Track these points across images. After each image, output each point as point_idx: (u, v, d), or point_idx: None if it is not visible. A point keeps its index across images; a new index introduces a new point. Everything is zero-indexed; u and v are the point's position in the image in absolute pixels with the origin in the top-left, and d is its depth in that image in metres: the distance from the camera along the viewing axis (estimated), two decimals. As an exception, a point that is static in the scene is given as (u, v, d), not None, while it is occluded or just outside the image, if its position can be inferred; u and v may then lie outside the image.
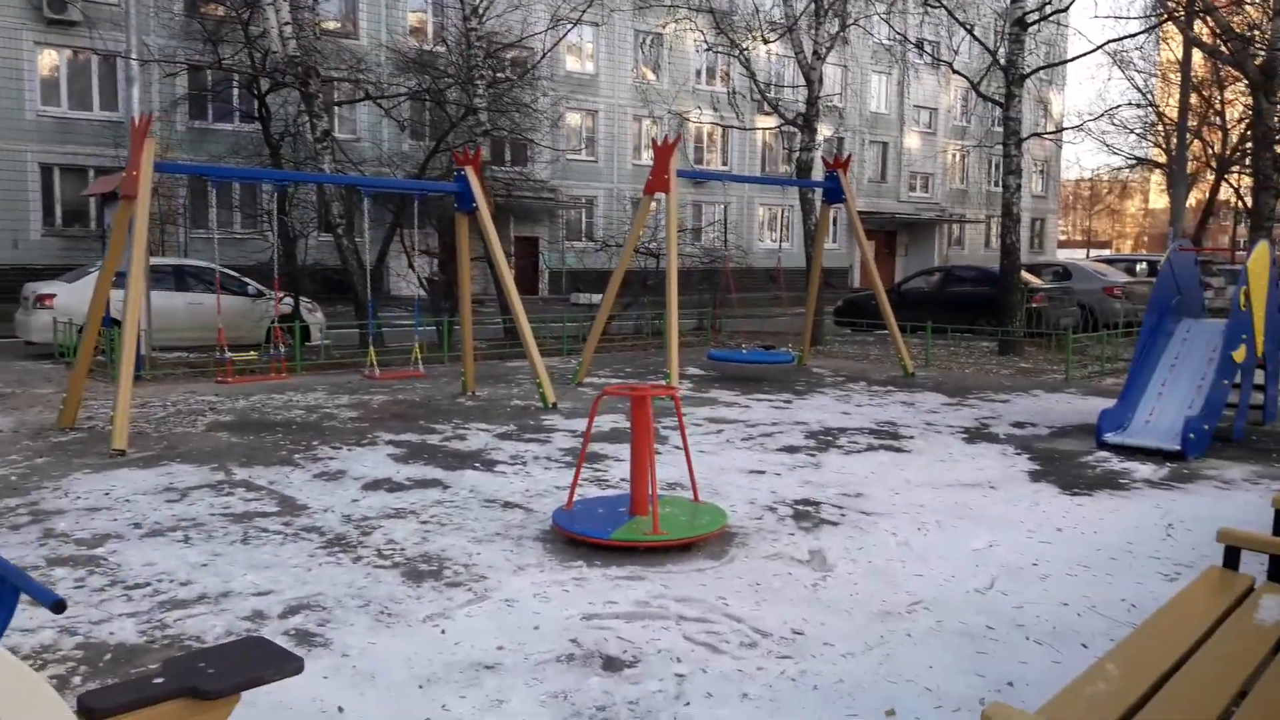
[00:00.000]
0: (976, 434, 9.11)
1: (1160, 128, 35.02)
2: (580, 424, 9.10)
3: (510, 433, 8.98)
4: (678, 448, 8.23)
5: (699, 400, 11.20)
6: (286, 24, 15.17)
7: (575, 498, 5.95)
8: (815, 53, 16.61)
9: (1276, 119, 16.43)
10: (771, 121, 17.11)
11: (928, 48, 18.74)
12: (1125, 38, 16.89)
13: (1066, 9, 15.91)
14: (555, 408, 10.40)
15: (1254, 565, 3.61)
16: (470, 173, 10.51)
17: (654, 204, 12.92)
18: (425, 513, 6.10)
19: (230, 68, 17.94)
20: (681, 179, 40.09)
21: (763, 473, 7.35)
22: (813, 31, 16.54)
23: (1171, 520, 6.04)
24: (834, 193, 14.17)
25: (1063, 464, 7.77)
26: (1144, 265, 25.68)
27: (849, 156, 14.41)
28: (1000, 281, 16.88)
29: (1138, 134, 42.16)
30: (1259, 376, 9.63)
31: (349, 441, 8.48)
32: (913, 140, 48.19)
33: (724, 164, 41.07)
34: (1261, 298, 9.10)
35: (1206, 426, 8.18)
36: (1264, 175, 16.54)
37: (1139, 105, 25.63)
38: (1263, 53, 15.95)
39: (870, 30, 19.09)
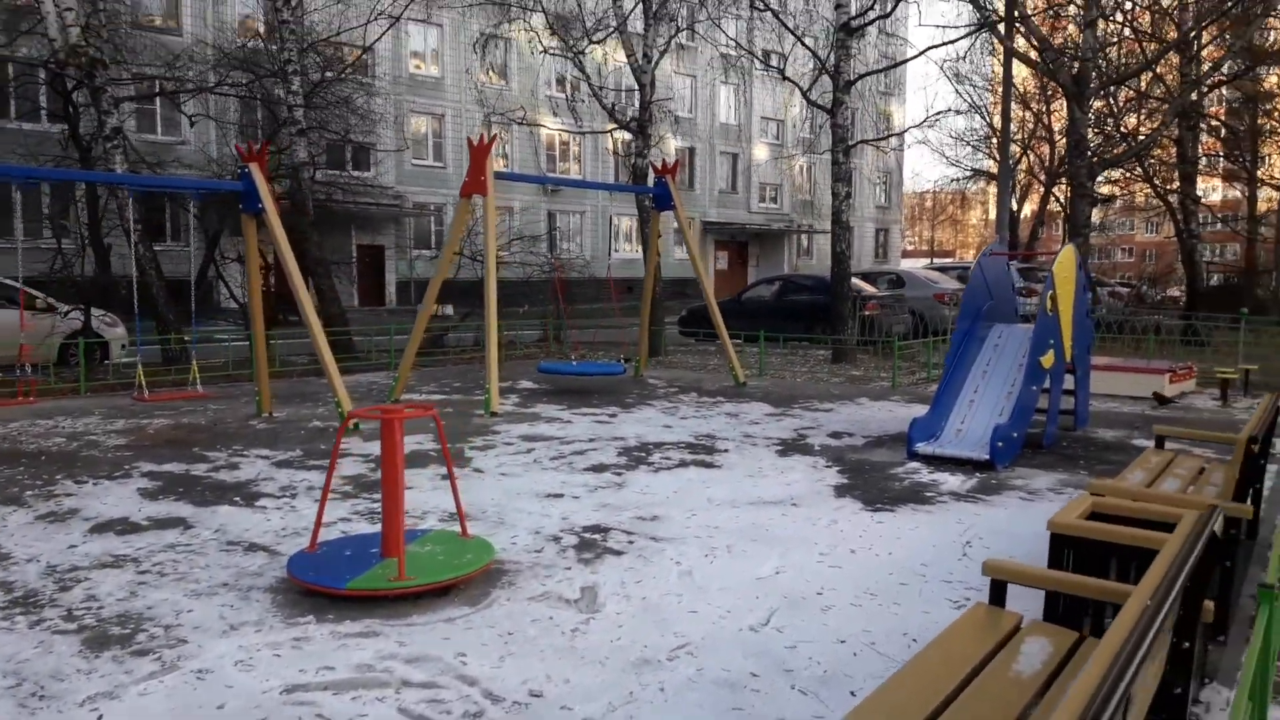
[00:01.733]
0: (792, 446, 8.81)
1: (994, 140, 36.61)
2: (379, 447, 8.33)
3: (292, 460, 8.12)
4: (480, 470, 7.60)
5: (520, 417, 10.57)
6: (68, 9, 13.74)
7: (331, 536, 5.23)
8: (646, 55, 16.27)
9: (1089, 128, 17.09)
10: (618, 131, 16.75)
11: (760, 54, 18.70)
12: (944, 44, 17.22)
13: (889, 14, 16.11)
14: (358, 429, 9.57)
15: (1031, 597, 3.26)
16: (255, 170, 9.57)
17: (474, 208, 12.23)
18: (149, 560, 5.24)
19: (7, 57, 16.19)
20: (526, 184, 39.08)
21: (561, 496, 6.78)
22: (644, 34, 16.19)
23: (971, 537, 5.79)
24: (663, 199, 13.81)
25: (871, 477, 7.51)
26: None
27: (676, 163, 14.09)
28: (832, 290, 16.94)
29: (973, 146, 44.07)
30: (1069, 381, 9.73)
31: (100, 474, 7.45)
32: (761, 152, 49.02)
33: (580, 172, 40.62)
34: (1069, 302, 9.16)
35: (1015, 434, 8.10)
36: (1079, 183, 17.18)
37: (959, 113, 26.38)
38: (1075, 63, 16.54)
39: (702, 34, 18.93)
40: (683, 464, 7.96)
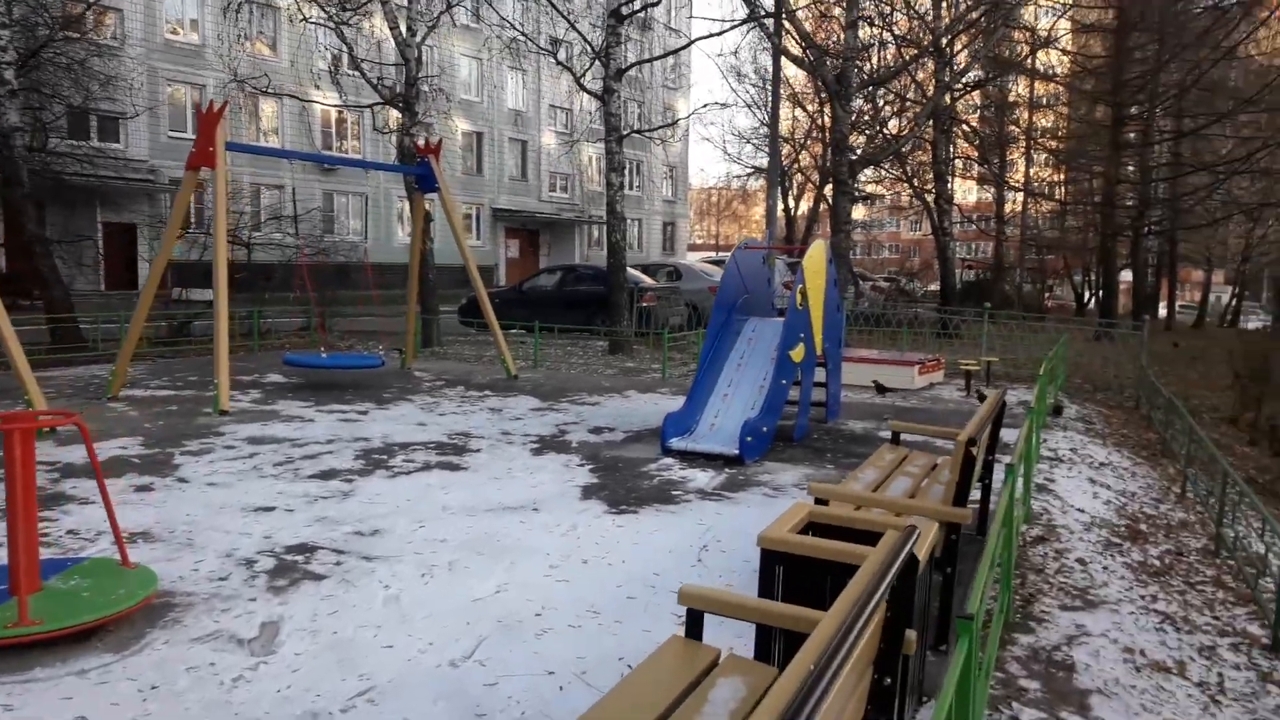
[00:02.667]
0: (549, 443, 8.40)
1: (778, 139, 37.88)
2: (83, 452, 7.23)
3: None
4: (184, 480, 6.68)
5: (254, 415, 9.57)
6: None
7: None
8: (410, 29, 15.37)
9: (850, 127, 17.73)
10: (394, 112, 15.75)
11: (536, 37, 18.18)
12: (712, 35, 17.33)
13: (657, 2, 16.01)
14: (53, 434, 8.31)
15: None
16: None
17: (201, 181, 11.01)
18: None
19: None
20: (303, 162, 36.45)
21: (272, 509, 6.02)
22: (406, 6, 15.29)
23: (709, 540, 5.56)
24: (427, 180, 13.05)
25: (623, 475, 7.21)
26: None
27: (439, 141, 13.35)
28: (608, 281, 16.74)
29: (753, 144, 45.48)
30: (821, 374, 9.86)
31: None
32: (551, 140, 48.56)
33: (360, 151, 38.48)
34: (819, 296, 9.24)
35: (765, 428, 8.04)
36: (840, 180, 17.80)
37: (723, 105, 26.90)
38: (838, 63, 17.09)
39: (481, 16, 18.19)
40: (426, 467, 7.35)
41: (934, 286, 36.93)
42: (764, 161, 40.76)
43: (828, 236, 22.40)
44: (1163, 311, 40.76)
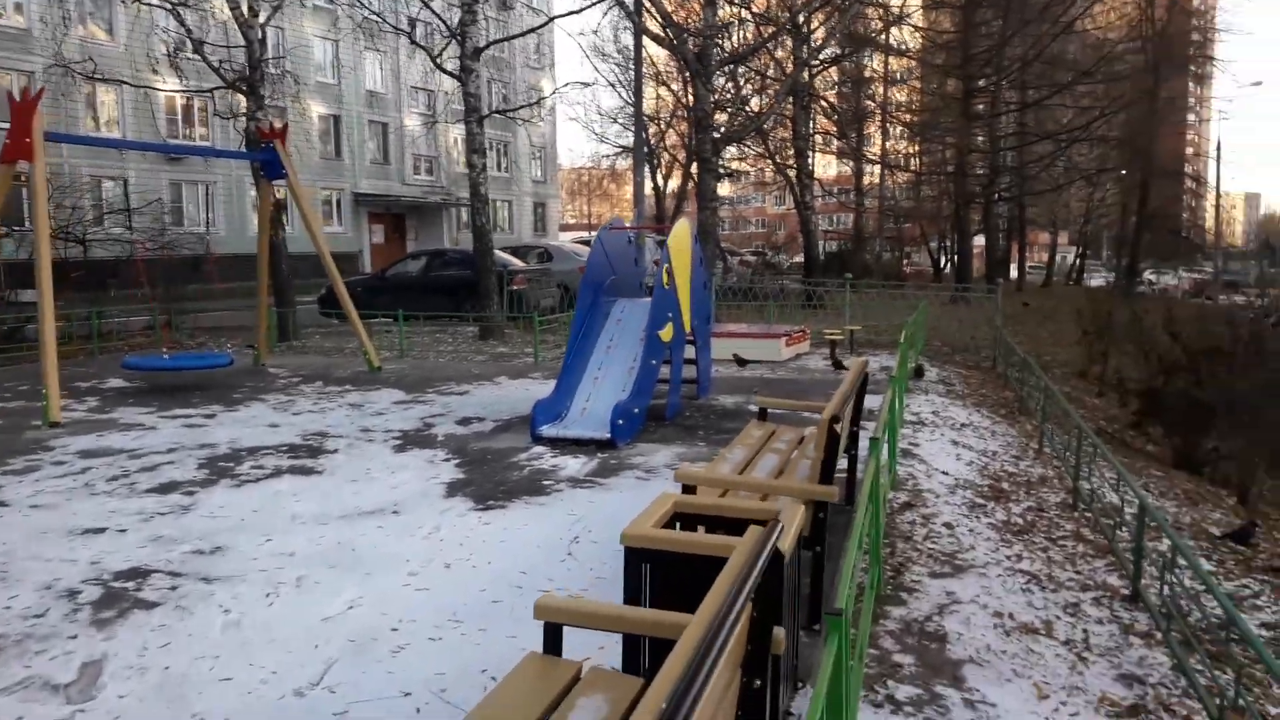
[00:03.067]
0: (413, 439, 8.04)
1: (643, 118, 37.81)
2: None
3: None
4: (4, 504, 6.06)
5: (90, 425, 8.83)
6: None
7: None
8: (252, 9, 14.49)
9: (713, 105, 17.74)
10: (241, 97, 14.80)
11: (388, 16, 17.46)
12: (571, 13, 17.00)
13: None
14: None
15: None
16: None
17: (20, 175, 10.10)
18: None
19: None
20: (143, 152, 34.24)
21: (102, 531, 5.49)
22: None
23: (580, 531, 5.36)
24: (273, 166, 12.34)
25: (491, 468, 6.94)
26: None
27: (285, 125, 12.65)
28: (476, 264, 16.30)
29: (621, 124, 45.30)
30: (690, 352, 9.79)
31: None
32: (413, 122, 47.18)
33: (209, 138, 36.16)
34: (685, 274, 9.14)
35: (637, 409, 7.90)
36: (704, 158, 17.79)
37: (585, 85, 26.30)
38: (698, 40, 17.04)
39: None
40: (277, 473, 6.90)
41: (800, 259, 37.75)
42: (631, 140, 40.72)
43: (694, 214, 22.51)
44: (1014, 273, 42.77)
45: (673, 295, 8.71)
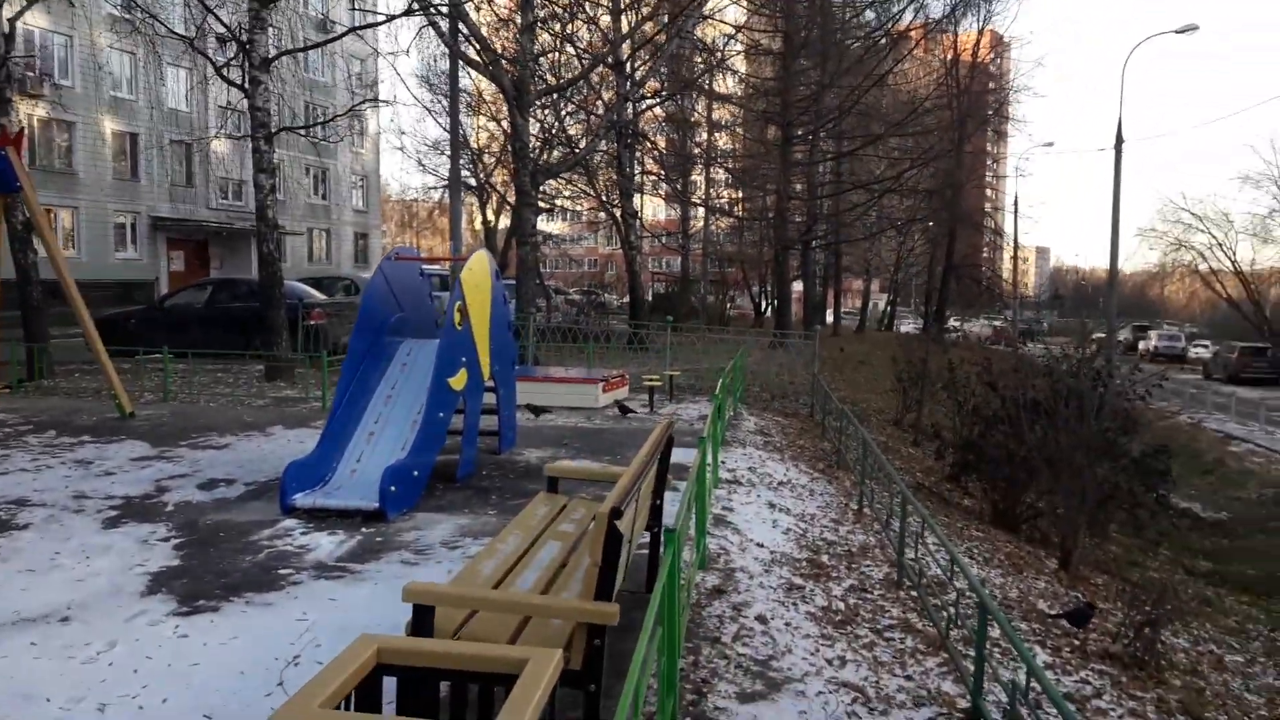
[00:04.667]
0: (134, 508, 6.58)
1: (468, 153, 36.59)
2: None
3: None
4: None
5: None
6: None
7: None
8: (-7, -3, 12.53)
9: (529, 135, 16.87)
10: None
11: (172, 24, 15.70)
12: (368, 25, 15.80)
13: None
14: None
15: None
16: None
17: None
18: None
19: None
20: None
21: None
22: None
23: (306, 646, 4.19)
24: (5, 178, 10.45)
25: (221, 550, 5.63)
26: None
27: (20, 132, 10.83)
28: (263, 296, 14.66)
29: (447, 155, 43.79)
30: (491, 400, 8.74)
31: None
32: (222, 144, 44.05)
33: None
34: (484, 313, 8.10)
35: (416, 472, 6.76)
36: (522, 190, 16.88)
37: (384, 103, 24.52)
38: (516, 68, 16.18)
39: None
40: (-71, 560, 5.34)
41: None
42: (464, 175, 39.30)
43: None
44: (830, 318, 44.01)
45: (467, 336, 7.64)
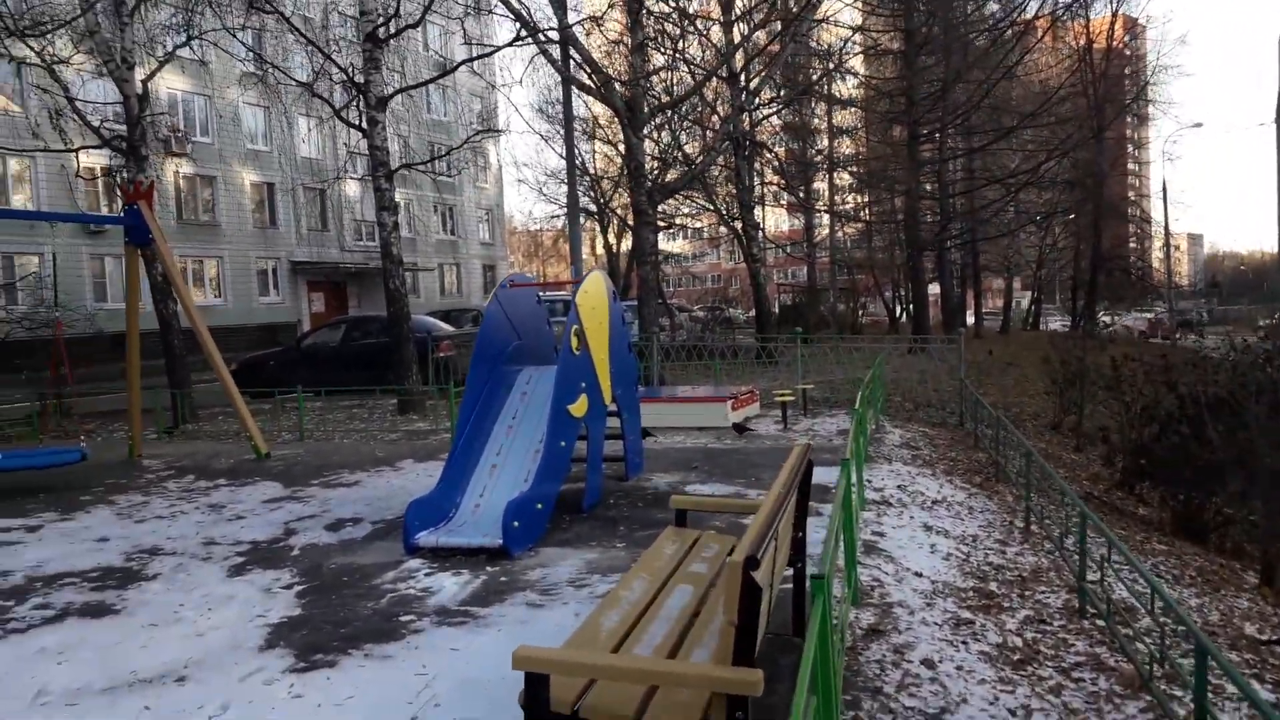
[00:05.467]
0: (261, 554, 6.47)
1: (588, 178, 36.90)
2: None
3: None
4: None
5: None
6: None
7: None
8: (126, 61, 13.09)
9: (646, 155, 16.59)
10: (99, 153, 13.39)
11: (292, 71, 16.17)
12: (480, 57, 15.82)
13: (418, 24, 14.38)
14: None
15: None
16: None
17: None
18: None
19: None
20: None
21: None
22: (121, 33, 12.99)
23: (426, 703, 3.85)
24: (138, 231, 10.81)
25: (343, 597, 5.40)
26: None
27: (151, 185, 11.15)
28: (391, 331, 14.82)
29: (565, 183, 44.22)
30: (615, 425, 8.37)
31: None
32: (353, 187, 45.85)
33: (32, 201, 32.17)
34: (603, 336, 7.75)
35: (540, 505, 6.42)
36: (640, 210, 16.59)
37: (496, 132, 23.95)
38: (626, 88, 15.96)
39: (221, 45, 15.97)
40: (59, 615, 5.30)
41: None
42: (583, 200, 39.61)
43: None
44: (970, 320, 42.10)
45: (585, 361, 7.30)
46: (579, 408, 7.11)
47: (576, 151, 37.21)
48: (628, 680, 2.69)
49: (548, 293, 12.18)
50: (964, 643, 4.61)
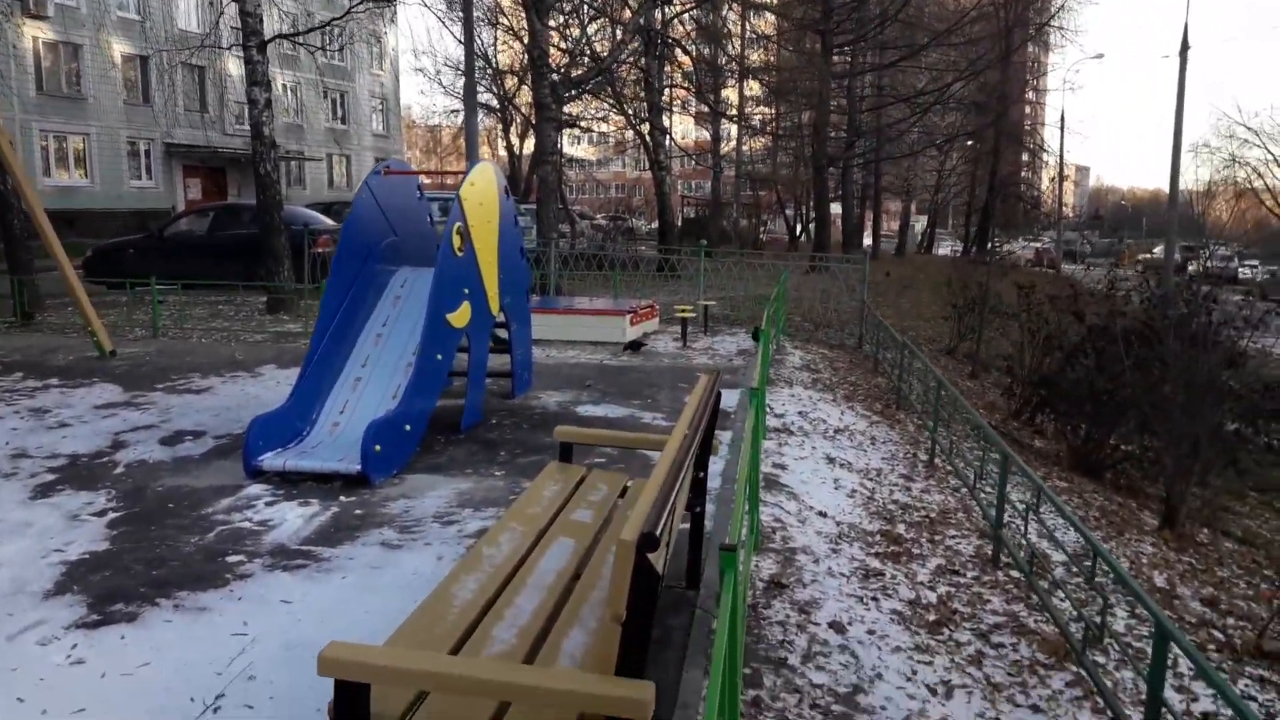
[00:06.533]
0: (75, 472, 5.55)
1: (490, 71, 34.94)
2: None
3: None
4: None
5: None
6: None
7: None
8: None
9: (551, 45, 15.45)
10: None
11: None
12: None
13: None
14: None
15: None
16: None
17: None
18: None
19: None
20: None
21: None
22: None
23: (237, 679, 3.14)
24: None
25: (163, 529, 4.59)
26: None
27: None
28: (261, 222, 13.54)
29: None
30: (503, 337, 7.62)
31: None
32: (235, 65, 42.55)
33: None
34: (490, 237, 6.92)
35: (408, 426, 5.66)
36: (542, 104, 15.51)
37: (381, 4, 21.23)
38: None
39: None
40: None
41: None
42: (484, 97, 37.55)
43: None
44: (868, 241, 42.27)
45: (469, 263, 6.48)
46: (459, 316, 6.32)
47: (479, 41, 35.23)
48: (473, 693, 2.04)
49: (433, 190, 11.10)
50: (874, 599, 4.15)
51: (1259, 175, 40.82)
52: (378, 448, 5.28)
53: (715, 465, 5.11)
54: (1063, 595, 4.48)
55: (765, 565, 4.32)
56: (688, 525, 3.88)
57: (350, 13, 15.00)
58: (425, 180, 8.64)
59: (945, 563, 4.84)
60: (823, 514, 5.23)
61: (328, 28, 15.45)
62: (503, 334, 7.64)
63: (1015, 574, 4.78)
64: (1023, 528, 4.89)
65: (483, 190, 6.75)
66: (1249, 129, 39.93)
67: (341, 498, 5.07)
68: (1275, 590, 6.20)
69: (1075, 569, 4.82)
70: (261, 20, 12.89)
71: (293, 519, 4.72)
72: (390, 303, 6.71)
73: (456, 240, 6.28)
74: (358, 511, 4.85)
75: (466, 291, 6.46)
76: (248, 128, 12.85)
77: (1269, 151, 39.57)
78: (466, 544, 4.30)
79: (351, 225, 6.58)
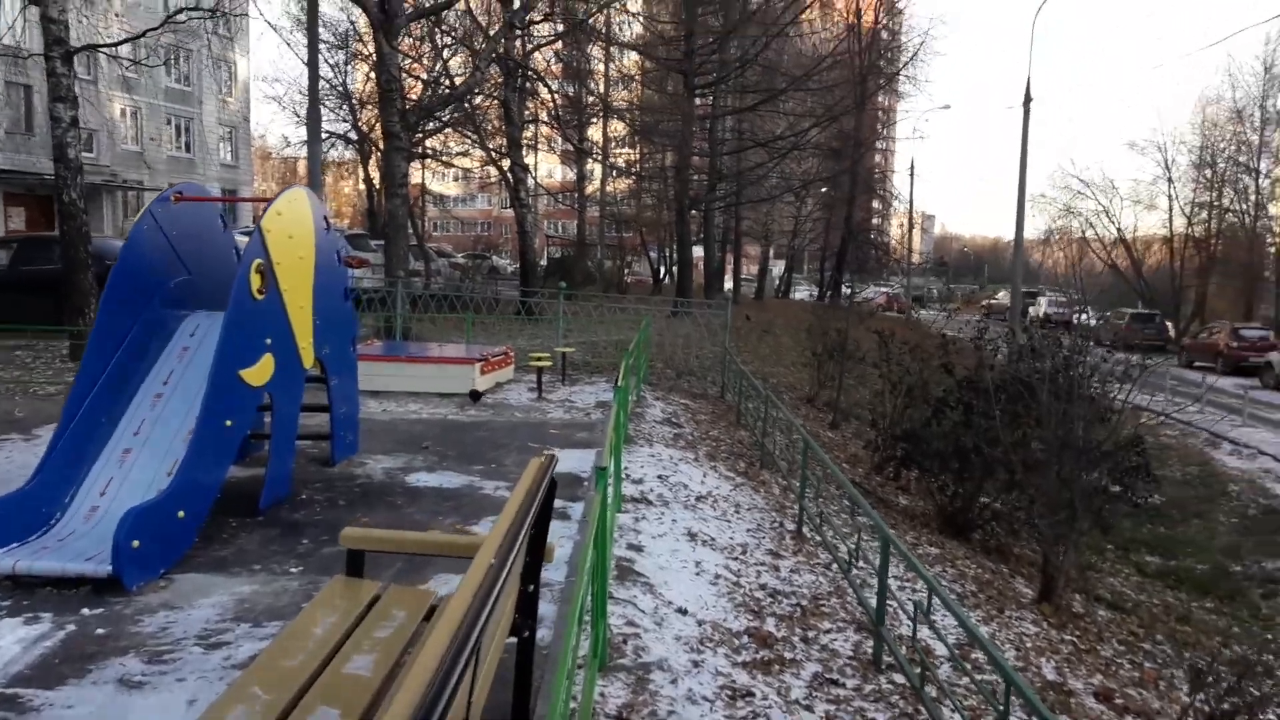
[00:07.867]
0: None
1: (343, 94, 33.43)
2: None
3: None
4: None
5: None
6: None
7: None
8: None
9: (398, 67, 14.52)
10: None
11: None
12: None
13: None
14: None
15: None
16: None
17: None
18: None
19: None
20: None
21: None
22: None
23: None
24: None
25: None
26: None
27: None
28: (64, 256, 12.01)
29: (327, 106, 40.35)
30: (319, 395, 6.62)
31: None
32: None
33: None
34: (304, 277, 5.95)
35: (181, 513, 4.63)
36: (391, 132, 14.51)
37: (211, 14, 19.84)
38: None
39: None
40: None
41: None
42: (340, 126, 35.81)
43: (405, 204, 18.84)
44: (729, 285, 42.54)
45: (273, 308, 5.51)
46: (258, 372, 5.34)
47: (332, 68, 33.69)
48: None
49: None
50: (743, 730, 3.42)
51: (1090, 225, 43.44)
52: (136, 543, 4.23)
53: (562, 549, 4.34)
54: (952, 706, 3.87)
55: (613, 692, 3.53)
56: (515, 658, 3.07)
57: (169, 21, 13.62)
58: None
59: (822, 669, 4.18)
60: (683, 611, 4.50)
61: (143, 38, 13.99)
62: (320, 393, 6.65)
63: (899, 679, 4.16)
64: (912, 629, 4.27)
65: (294, 220, 5.80)
66: (1081, 180, 42.45)
67: (84, 610, 4.00)
68: (1158, 669, 5.87)
69: (961, 667, 4.24)
70: (67, 28, 11.48)
71: (7, 644, 3.64)
72: (176, 355, 5.64)
73: (255, 280, 5.31)
74: (99, 630, 3.81)
75: (269, 341, 5.48)
76: (84, 153, 11.36)
77: (1098, 201, 42.17)
78: (232, 678, 3.35)
79: (127, 261, 5.49)
